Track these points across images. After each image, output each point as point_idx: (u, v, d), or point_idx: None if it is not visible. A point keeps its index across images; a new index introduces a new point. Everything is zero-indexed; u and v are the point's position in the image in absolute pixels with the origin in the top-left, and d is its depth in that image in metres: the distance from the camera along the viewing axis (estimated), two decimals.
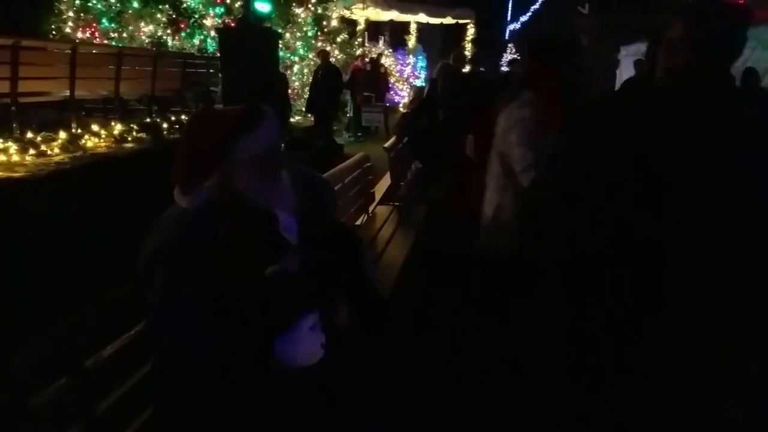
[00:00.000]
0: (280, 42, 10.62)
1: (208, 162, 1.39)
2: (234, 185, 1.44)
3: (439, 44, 22.72)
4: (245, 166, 1.42)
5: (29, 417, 1.21)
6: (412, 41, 20.56)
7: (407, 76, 19.50)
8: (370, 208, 4.40)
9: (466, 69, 8.11)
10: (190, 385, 1.34)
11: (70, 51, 6.63)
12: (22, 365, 1.24)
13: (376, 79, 13.80)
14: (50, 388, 1.26)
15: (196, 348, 1.33)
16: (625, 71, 11.21)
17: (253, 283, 1.37)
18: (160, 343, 1.36)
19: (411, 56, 20.32)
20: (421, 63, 20.97)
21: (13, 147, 5.35)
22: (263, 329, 1.39)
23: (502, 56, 25.23)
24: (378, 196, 4.97)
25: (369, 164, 4.38)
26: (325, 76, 10.33)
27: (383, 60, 15.30)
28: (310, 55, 13.48)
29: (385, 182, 5.74)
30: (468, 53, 11.74)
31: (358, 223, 4.07)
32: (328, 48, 14.41)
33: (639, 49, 10.69)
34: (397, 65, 18.83)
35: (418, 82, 18.36)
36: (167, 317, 1.34)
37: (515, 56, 25.73)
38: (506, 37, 29.82)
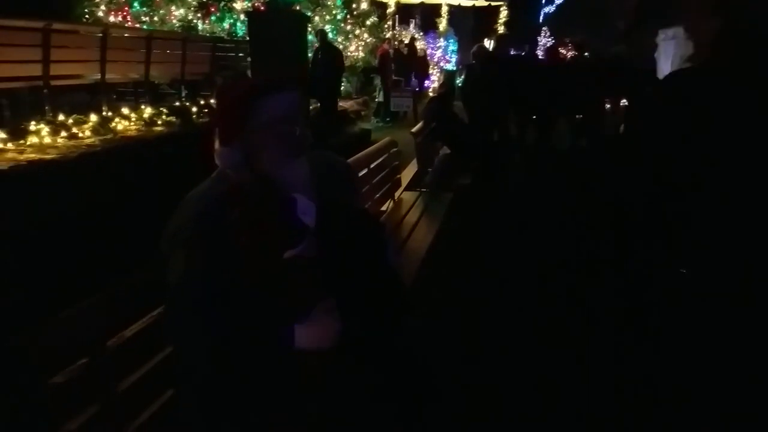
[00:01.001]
0: (309, 25, 10.58)
1: (235, 117, 1.46)
2: (255, 160, 1.45)
3: (470, 27, 22.43)
4: (267, 131, 1.44)
5: (50, 395, 1.21)
6: (443, 24, 20.27)
7: (438, 59, 19.27)
8: (396, 194, 4.36)
9: (512, 52, 7.92)
10: (207, 369, 1.35)
11: (101, 34, 6.69)
12: (45, 344, 1.24)
13: (413, 63, 13.57)
14: (72, 367, 1.27)
15: (212, 332, 1.33)
16: (663, 55, 10.87)
17: (270, 267, 1.37)
18: (176, 326, 1.37)
19: (442, 39, 20.06)
20: (452, 47, 20.71)
21: (45, 129, 5.44)
22: (280, 314, 1.38)
23: (537, 40, 24.81)
24: (404, 182, 4.93)
25: (396, 149, 4.33)
26: (326, 57, 9.85)
27: (416, 44, 15.11)
28: (339, 39, 13.43)
29: (412, 168, 5.69)
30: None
31: (383, 209, 4.03)
32: (357, 31, 14.34)
33: (678, 32, 10.36)
34: (427, 49, 18.62)
35: (449, 66, 18.15)
36: (183, 300, 1.34)
37: (549, 39, 25.29)
38: (540, 21, 29.29)
